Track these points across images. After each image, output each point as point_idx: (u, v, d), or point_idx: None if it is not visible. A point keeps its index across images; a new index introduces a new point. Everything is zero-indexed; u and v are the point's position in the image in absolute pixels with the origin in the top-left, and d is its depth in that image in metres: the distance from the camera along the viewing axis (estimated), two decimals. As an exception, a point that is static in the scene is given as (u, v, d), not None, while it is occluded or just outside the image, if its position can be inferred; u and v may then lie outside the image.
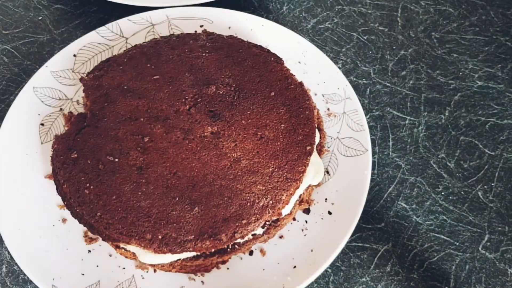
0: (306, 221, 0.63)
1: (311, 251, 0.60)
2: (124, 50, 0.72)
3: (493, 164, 0.72)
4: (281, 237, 0.62)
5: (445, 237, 0.66)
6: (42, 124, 0.70)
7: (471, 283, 0.63)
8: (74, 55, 0.76)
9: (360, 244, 0.65)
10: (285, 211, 0.61)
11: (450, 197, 0.69)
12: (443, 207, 0.68)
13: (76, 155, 0.60)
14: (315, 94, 0.73)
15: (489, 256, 0.64)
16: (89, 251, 0.61)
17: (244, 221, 0.57)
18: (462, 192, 0.69)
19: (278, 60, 0.70)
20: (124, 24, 0.79)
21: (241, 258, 0.61)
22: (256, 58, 0.69)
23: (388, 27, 0.86)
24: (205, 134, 0.62)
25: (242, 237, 0.58)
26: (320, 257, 0.59)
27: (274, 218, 0.60)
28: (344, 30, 0.86)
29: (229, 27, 0.79)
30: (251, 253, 0.62)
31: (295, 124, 0.64)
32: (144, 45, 0.72)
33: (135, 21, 0.79)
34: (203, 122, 0.63)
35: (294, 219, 0.64)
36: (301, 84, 0.68)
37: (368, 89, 0.79)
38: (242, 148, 0.61)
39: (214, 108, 0.64)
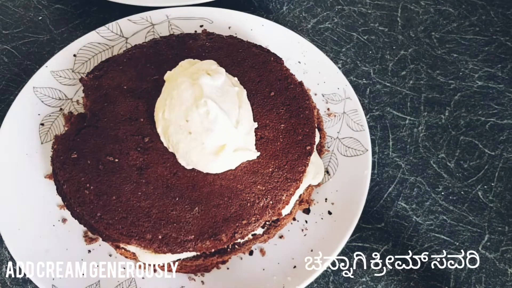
0: (306, 221, 0.63)
1: (311, 251, 0.60)
2: (124, 50, 0.72)
3: (493, 164, 0.72)
4: (281, 237, 0.62)
5: (445, 237, 0.66)
6: (42, 124, 0.70)
7: (471, 283, 0.63)
8: (74, 55, 0.76)
9: (360, 244, 0.65)
10: (285, 211, 0.61)
11: (450, 197, 0.69)
12: (443, 207, 0.68)
13: (76, 156, 0.60)
14: (315, 94, 0.73)
15: (489, 256, 0.64)
16: (89, 251, 0.61)
17: (244, 221, 0.57)
18: (462, 192, 0.69)
19: (278, 60, 0.70)
20: (124, 24, 0.79)
21: (241, 258, 0.61)
22: (256, 58, 0.69)
23: (388, 27, 0.86)
24: (205, 134, 0.62)
25: (242, 237, 0.58)
26: (320, 257, 0.59)
27: (274, 218, 0.60)
28: (344, 30, 0.86)
29: (229, 27, 0.79)
30: (251, 253, 0.62)
31: (295, 124, 0.64)
32: (144, 45, 0.72)
33: (135, 21, 0.79)
34: (203, 122, 0.63)
35: (294, 219, 0.64)
36: (301, 84, 0.68)
37: (368, 89, 0.79)
38: (242, 148, 0.61)
39: (214, 108, 0.64)
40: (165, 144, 0.60)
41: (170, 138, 0.58)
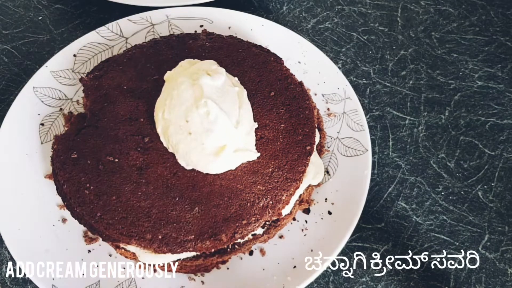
0: (306, 221, 0.63)
1: (311, 251, 0.60)
2: (124, 50, 0.72)
3: (493, 164, 0.72)
4: (281, 237, 0.62)
5: (445, 237, 0.66)
6: (42, 124, 0.70)
7: (471, 283, 0.63)
8: (74, 55, 0.76)
9: (360, 244, 0.65)
10: (285, 211, 0.61)
11: (450, 197, 0.69)
12: (443, 207, 0.68)
13: (76, 156, 0.60)
14: (315, 94, 0.73)
15: (489, 256, 0.64)
16: (89, 251, 0.61)
17: (244, 221, 0.57)
18: (462, 192, 0.69)
19: (278, 60, 0.70)
20: (124, 24, 0.79)
21: (241, 258, 0.61)
22: (256, 58, 0.69)
23: (388, 27, 0.86)
24: (205, 134, 0.62)
25: (242, 237, 0.58)
26: (320, 257, 0.59)
27: (274, 218, 0.60)
28: (344, 30, 0.86)
29: (229, 27, 0.79)
30: (251, 253, 0.62)
31: (295, 124, 0.64)
32: (144, 45, 0.72)
33: (135, 21, 0.79)
34: (203, 122, 0.63)
35: (294, 219, 0.64)
36: (301, 83, 0.68)
37: (368, 89, 0.79)
38: (242, 148, 0.61)
39: (214, 108, 0.64)
40: (165, 144, 0.60)
41: (170, 139, 0.58)
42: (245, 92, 0.62)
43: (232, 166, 0.59)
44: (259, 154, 0.60)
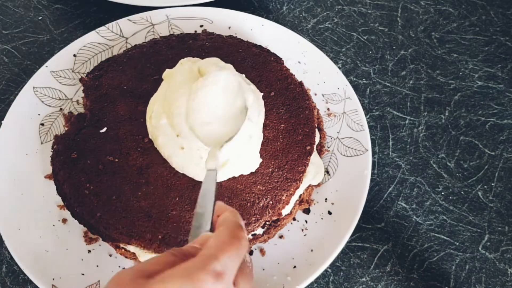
0: (306, 221, 0.63)
1: (311, 251, 0.60)
2: (124, 50, 0.72)
3: (493, 164, 0.72)
4: (281, 237, 0.62)
5: (445, 237, 0.66)
6: (42, 124, 0.70)
7: (471, 283, 0.63)
8: (74, 55, 0.76)
9: (360, 244, 0.65)
10: (285, 211, 0.61)
11: (450, 197, 0.69)
12: (443, 207, 0.68)
13: (76, 155, 0.60)
14: (315, 94, 0.73)
15: (489, 256, 0.64)
16: (89, 251, 0.61)
17: (244, 221, 0.57)
18: (462, 192, 0.69)
19: (278, 60, 0.70)
20: (124, 24, 0.79)
21: (241, 258, 0.61)
22: (256, 58, 0.69)
23: (388, 27, 0.86)
24: (205, 134, 0.62)
25: (242, 237, 0.58)
26: (320, 257, 0.59)
27: (274, 218, 0.60)
28: (344, 30, 0.86)
29: (229, 27, 0.79)
30: (251, 253, 0.62)
31: (295, 124, 0.64)
32: (144, 45, 0.72)
33: (135, 21, 0.79)
34: (203, 122, 0.63)
35: (294, 219, 0.64)
36: (301, 84, 0.68)
37: (368, 89, 0.79)
38: (242, 148, 0.61)
39: (214, 108, 0.64)
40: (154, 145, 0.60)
41: (162, 150, 0.59)
42: (260, 95, 0.62)
43: (235, 174, 0.59)
44: (261, 160, 0.60)
